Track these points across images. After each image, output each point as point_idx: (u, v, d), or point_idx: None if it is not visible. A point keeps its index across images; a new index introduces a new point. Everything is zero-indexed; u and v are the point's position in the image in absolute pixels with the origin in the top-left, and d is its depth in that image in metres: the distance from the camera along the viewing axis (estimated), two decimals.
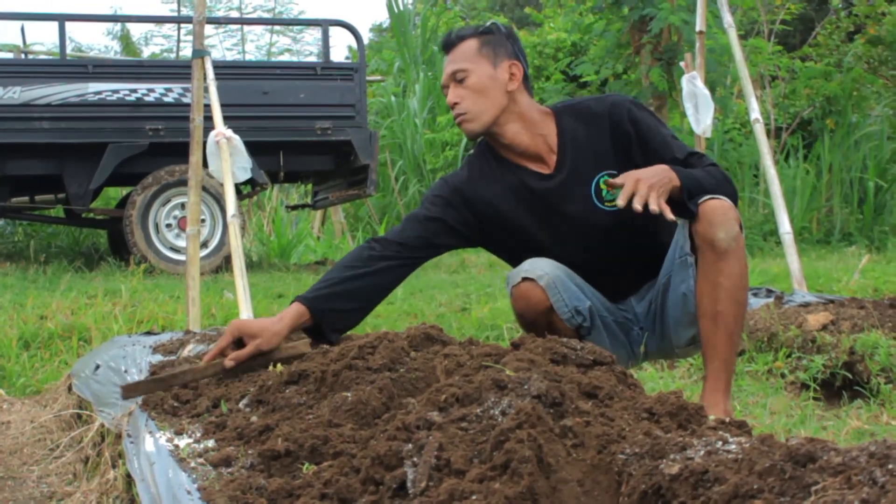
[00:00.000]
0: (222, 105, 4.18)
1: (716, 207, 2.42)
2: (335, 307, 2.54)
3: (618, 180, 2.37)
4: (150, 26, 18.43)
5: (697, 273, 2.50)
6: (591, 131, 2.63)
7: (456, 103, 2.61)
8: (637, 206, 2.29)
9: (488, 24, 2.67)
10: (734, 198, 2.49)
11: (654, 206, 2.29)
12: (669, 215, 2.30)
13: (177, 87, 7.31)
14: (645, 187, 2.31)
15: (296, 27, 19.37)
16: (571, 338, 2.40)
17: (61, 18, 7.26)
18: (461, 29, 2.68)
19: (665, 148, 2.58)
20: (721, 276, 2.44)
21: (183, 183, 7.00)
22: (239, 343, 2.44)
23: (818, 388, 3.49)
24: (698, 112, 4.56)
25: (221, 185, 4.06)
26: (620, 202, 2.31)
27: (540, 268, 2.57)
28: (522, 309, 2.59)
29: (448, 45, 2.66)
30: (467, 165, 2.75)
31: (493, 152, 2.72)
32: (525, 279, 2.56)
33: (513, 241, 2.72)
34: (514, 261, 2.72)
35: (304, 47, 19.89)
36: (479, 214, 2.69)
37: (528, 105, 2.64)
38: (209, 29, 17.06)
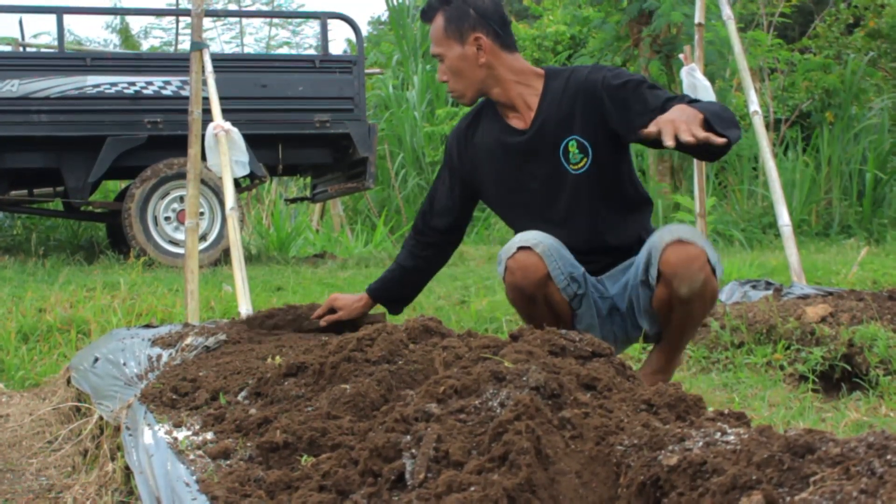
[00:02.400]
0: (221, 98, 4.18)
1: (683, 259, 2.49)
2: (391, 296, 3.14)
3: (651, 128, 2.34)
4: (150, 19, 18.40)
5: (662, 295, 2.58)
6: (569, 96, 2.71)
7: (444, 81, 2.80)
8: (688, 137, 2.25)
9: None
10: (737, 126, 2.45)
11: (701, 135, 2.26)
12: (716, 139, 2.27)
13: (175, 80, 7.30)
14: (683, 125, 2.29)
15: (294, 20, 19.34)
16: (564, 311, 2.73)
17: (59, 11, 7.25)
18: (429, 2, 2.79)
19: (642, 103, 2.60)
20: (686, 315, 2.59)
21: (181, 176, 6.99)
22: (332, 311, 3.14)
23: (817, 380, 3.49)
24: None
25: (220, 178, 4.05)
26: (668, 142, 2.27)
27: (534, 237, 2.67)
28: (520, 280, 2.65)
29: (424, 19, 2.83)
30: (462, 121, 2.95)
31: (487, 105, 2.88)
32: (521, 248, 2.65)
33: (495, 195, 2.90)
34: (506, 221, 2.97)
35: (302, 40, 19.88)
36: (465, 169, 2.92)
37: (507, 67, 2.76)
38: (208, 22, 17.03)
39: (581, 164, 2.72)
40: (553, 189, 2.75)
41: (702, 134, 2.26)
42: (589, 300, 2.75)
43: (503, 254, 2.71)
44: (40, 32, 12.92)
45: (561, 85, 2.74)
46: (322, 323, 3.12)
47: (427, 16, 2.79)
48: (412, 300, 3.23)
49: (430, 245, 3.04)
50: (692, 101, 2.54)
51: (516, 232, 2.79)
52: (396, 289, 3.13)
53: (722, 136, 2.32)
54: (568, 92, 2.72)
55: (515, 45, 2.80)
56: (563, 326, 2.56)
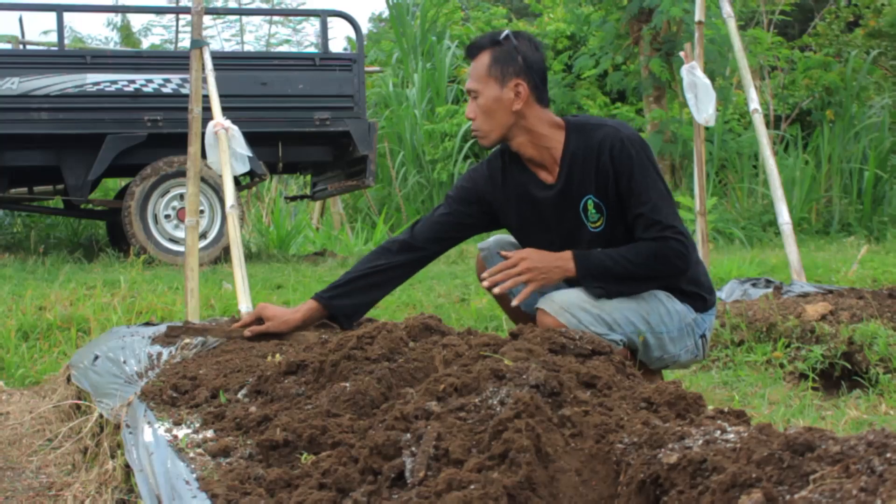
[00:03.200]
0: (221, 96, 4.17)
1: (541, 326, 2.53)
2: (345, 302, 2.91)
3: (509, 253, 2.63)
4: (150, 17, 18.40)
5: None
6: (587, 154, 2.75)
7: (471, 119, 2.79)
8: (496, 290, 2.59)
9: (503, 35, 2.78)
10: (669, 274, 2.67)
11: (496, 290, 2.59)
12: (519, 298, 2.59)
13: (175, 78, 7.30)
14: (523, 273, 2.59)
15: (295, 18, 19.34)
16: (517, 310, 2.87)
17: (59, 9, 7.24)
18: (480, 38, 2.82)
19: (635, 197, 2.68)
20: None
21: (181, 174, 6.99)
22: (260, 321, 2.93)
23: (817, 378, 3.49)
24: (699, 102, 4.56)
25: (220, 175, 4.05)
26: (485, 283, 2.60)
27: (491, 241, 2.95)
28: (479, 275, 2.88)
29: (468, 55, 2.83)
30: (486, 163, 2.96)
31: (510, 154, 2.88)
32: (479, 249, 2.97)
33: (517, 232, 2.94)
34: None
35: (303, 38, 19.88)
36: (497, 203, 2.91)
37: (537, 118, 2.78)
38: (208, 20, 17.03)
39: (598, 222, 2.77)
40: (570, 242, 2.79)
41: (497, 290, 2.59)
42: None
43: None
44: (49, 30, 12.92)
45: (581, 142, 2.76)
46: (246, 333, 2.90)
47: (473, 52, 2.80)
48: (363, 315, 3.01)
49: (398, 258, 2.94)
50: (657, 239, 2.64)
51: None
52: (356, 297, 2.92)
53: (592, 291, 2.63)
54: (586, 151, 2.74)
55: (548, 101, 2.85)
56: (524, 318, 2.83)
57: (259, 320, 2.92)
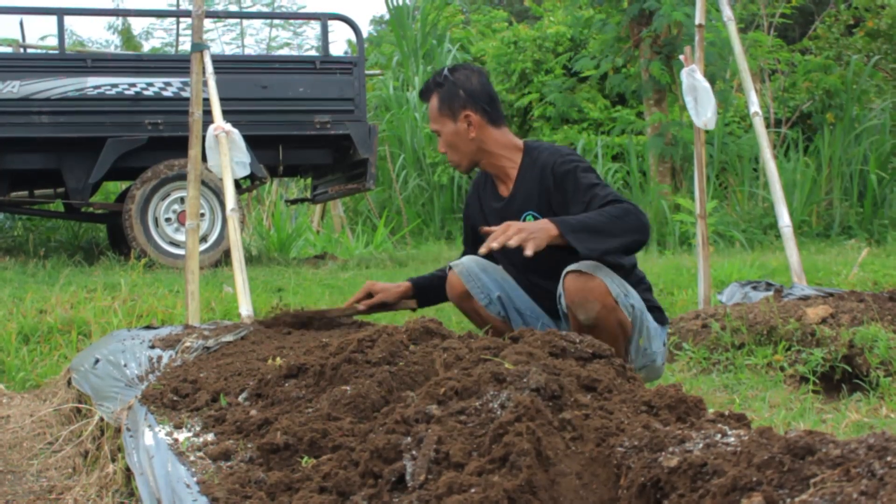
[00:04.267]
0: (221, 99, 4.17)
1: (579, 288, 2.79)
2: (429, 293, 3.36)
3: (492, 227, 2.74)
4: (151, 20, 18.41)
5: (573, 325, 2.88)
6: (533, 174, 3.06)
7: (443, 152, 3.17)
8: (495, 245, 2.66)
9: (442, 75, 3.11)
10: (636, 230, 2.80)
11: (512, 244, 2.66)
12: (527, 252, 2.66)
13: (176, 82, 7.30)
14: (513, 231, 2.68)
15: (295, 21, 19.35)
16: (497, 325, 3.12)
17: (60, 13, 7.25)
18: (427, 82, 3.16)
19: (576, 196, 2.93)
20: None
21: (182, 177, 7.00)
22: (369, 297, 3.29)
23: (817, 381, 3.49)
24: (698, 105, 4.56)
25: (220, 179, 4.05)
26: (482, 249, 2.71)
27: (460, 260, 3.19)
28: (450, 295, 3.20)
29: (422, 99, 3.19)
30: (474, 179, 3.34)
31: (486, 172, 3.24)
32: (450, 268, 3.19)
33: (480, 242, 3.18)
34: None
35: (303, 41, 19.90)
36: (471, 215, 3.30)
37: (493, 140, 3.11)
38: (209, 23, 17.04)
39: None
40: (514, 254, 2.95)
41: (514, 242, 2.64)
42: (517, 321, 3.14)
43: None
44: (48, 35, 12.93)
45: (530, 162, 3.08)
46: (361, 307, 3.26)
47: (424, 96, 3.15)
48: (436, 302, 3.43)
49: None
50: (607, 203, 2.84)
51: None
52: (436, 287, 3.32)
53: (580, 248, 2.73)
54: (533, 171, 3.05)
55: (503, 120, 3.15)
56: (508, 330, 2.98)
57: (369, 296, 3.29)
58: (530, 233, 2.68)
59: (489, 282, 3.14)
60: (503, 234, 2.67)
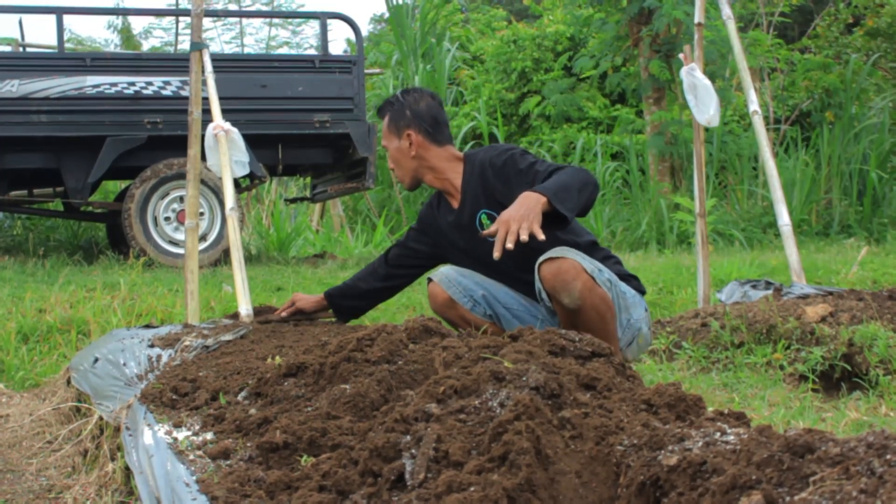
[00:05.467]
0: (221, 98, 4.17)
1: (554, 272, 2.87)
2: (344, 304, 3.55)
3: (491, 229, 2.76)
4: (151, 19, 18.40)
5: (560, 314, 2.95)
6: (475, 177, 3.20)
7: (392, 168, 3.34)
8: (510, 245, 2.66)
9: (394, 97, 3.31)
10: (591, 183, 2.93)
11: (524, 237, 2.66)
12: (540, 236, 2.67)
13: (175, 81, 7.30)
14: (515, 225, 2.69)
15: (294, 20, 19.34)
16: (489, 328, 3.13)
17: (59, 11, 7.24)
18: (382, 102, 3.36)
19: (518, 178, 3.05)
20: (578, 324, 2.88)
21: (181, 176, 7.00)
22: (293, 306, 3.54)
23: (817, 379, 3.49)
24: (699, 103, 4.56)
25: (220, 178, 4.05)
26: (496, 254, 2.69)
27: (439, 270, 3.30)
28: (433, 306, 3.29)
29: (379, 117, 3.36)
30: (431, 200, 3.44)
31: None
32: (429, 281, 3.30)
33: (450, 253, 3.37)
34: None
35: (302, 40, 19.89)
36: (435, 240, 3.40)
37: (436, 157, 3.26)
38: (208, 22, 17.03)
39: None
40: (480, 255, 3.19)
41: (524, 236, 2.65)
42: (506, 316, 3.22)
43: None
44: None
45: (471, 168, 3.22)
46: (284, 314, 3.52)
47: (380, 114, 3.34)
48: (358, 317, 3.63)
49: (392, 277, 3.48)
50: (553, 171, 2.97)
51: None
52: (348, 297, 3.52)
53: (569, 215, 2.80)
54: (474, 174, 3.20)
55: (448, 139, 3.30)
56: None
57: (292, 305, 3.55)
58: (526, 215, 2.70)
59: (470, 284, 3.23)
60: (508, 233, 2.68)
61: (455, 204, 3.28)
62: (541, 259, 2.92)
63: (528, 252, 2.95)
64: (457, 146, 13.08)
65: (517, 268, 3.15)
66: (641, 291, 3.20)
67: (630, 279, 3.17)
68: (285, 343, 2.88)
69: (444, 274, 3.26)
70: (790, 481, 1.22)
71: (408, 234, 3.51)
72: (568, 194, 2.83)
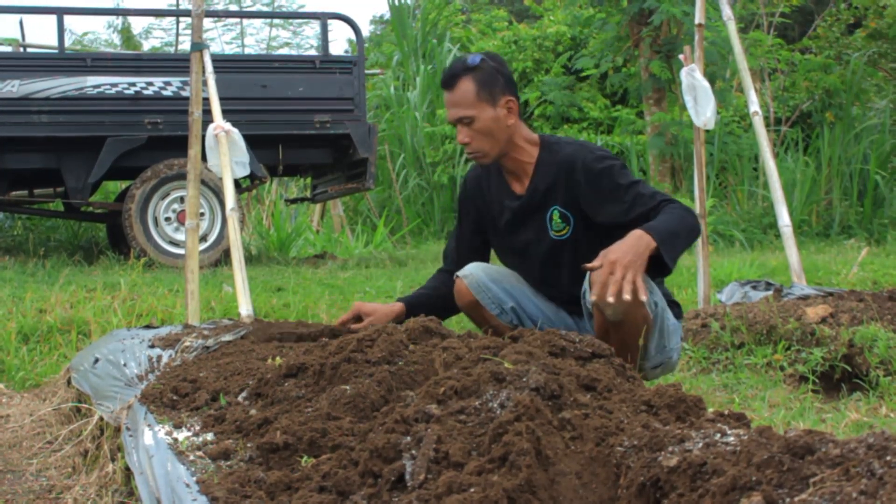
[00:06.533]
0: (221, 98, 4.17)
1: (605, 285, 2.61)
2: (423, 312, 2.98)
3: (595, 263, 2.57)
4: (151, 20, 18.40)
5: (598, 320, 2.74)
6: (555, 169, 2.95)
7: (467, 143, 2.93)
8: (611, 300, 2.49)
9: (478, 59, 2.92)
10: (695, 229, 2.77)
11: (627, 296, 2.48)
12: (643, 296, 2.52)
13: (175, 81, 7.31)
14: (621, 271, 2.51)
15: (295, 21, 19.34)
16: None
17: (60, 12, 7.25)
18: (454, 67, 2.95)
19: (615, 194, 2.84)
20: (612, 335, 2.70)
21: (182, 176, 7.00)
22: (358, 319, 3.08)
23: (817, 380, 3.49)
24: (697, 104, 4.56)
25: (220, 178, 4.05)
26: (593, 297, 2.56)
27: (468, 268, 3.04)
28: (459, 303, 3.07)
29: (446, 86, 2.94)
30: (474, 171, 3.19)
31: (493, 165, 3.07)
32: (457, 277, 3.06)
33: (495, 240, 3.15)
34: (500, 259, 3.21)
35: (303, 41, 19.88)
36: (479, 215, 3.15)
37: (520, 133, 2.98)
38: (208, 22, 17.03)
39: (563, 231, 2.97)
40: (535, 251, 3.02)
41: (628, 296, 2.48)
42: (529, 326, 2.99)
43: None
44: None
45: (550, 157, 2.96)
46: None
47: (451, 82, 2.92)
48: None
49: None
50: (661, 204, 2.76)
51: None
52: (428, 306, 3.08)
53: (671, 266, 2.63)
54: (554, 165, 2.94)
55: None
56: None
57: (358, 319, 3.08)
58: (634, 261, 2.53)
59: (500, 292, 3.03)
60: (612, 280, 2.50)
61: (519, 189, 3.02)
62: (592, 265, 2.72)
63: (571, 275, 2.91)
64: (458, 147, 12.94)
65: (569, 282, 2.99)
66: (678, 317, 3.02)
67: (673, 306, 2.99)
68: (285, 344, 2.88)
69: (474, 276, 3.02)
70: (790, 482, 1.22)
71: (459, 222, 3.25)
72: (676, 242, 2.66)
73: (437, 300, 3.15)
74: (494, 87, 2.89)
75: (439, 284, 3.21)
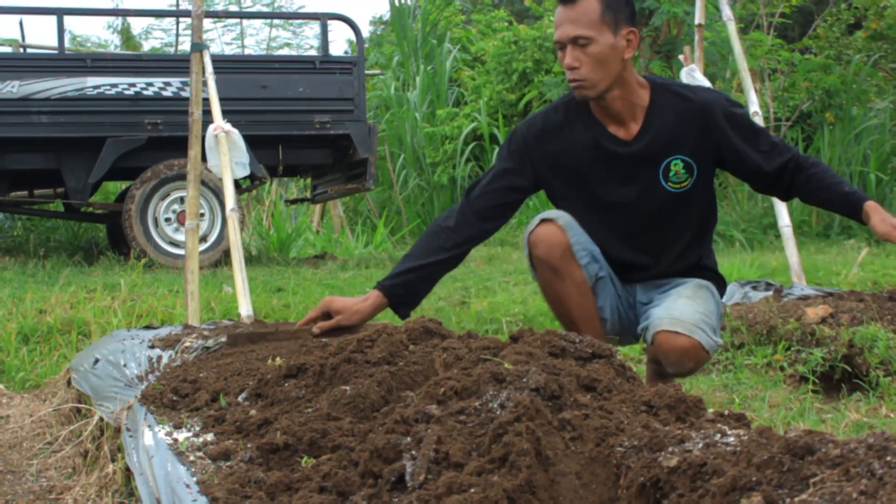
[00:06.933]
0: (221, 99, 4.17)
1: (668, 349, 2.55)
2: (408, 291, 2.73)
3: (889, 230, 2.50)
4: (151, 20, 18.40)
5: (652, 356, 2.75)
6: (681, 116, 2.66)
7: (574, 67, 2.58)
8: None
9: None
10: None
11: None
12: None
13: (175, 81, 7.30)
14: None
15: (295, 21, 19.35)
16: (585, 289, 2.70)
17: (60, 12, 7.25)
18: None
19: (756, 141, 2.68)
20: (670, 378, 2.75)
21: (182, 177, 7.00)
22: (327, 316, 2.68)
23: (817, 380, 3.49)
24: None
25: (220, 179, 4.05)
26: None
27: (555, 212, 2.70)
28: (544, 253, 2.66)
29: (567, 2, 2.60)
30: (543, 117, 2.79)
31: (579, 105, 2.73)
32: (543, 221, 2.68)
33: (572, 193, 2.76)
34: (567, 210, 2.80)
35: (303, 41, 19.88)
36: (542, 167, 2.76)
37: (631, 71, 2.67)
38: (208, 23, 17.03)
39: (685, 182, 2.70)
40: (642, 204, 2.70)
41: None
42: (607, 284, 2.73)
43: (527, 230, 2.71)
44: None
45: (672, 102, 2.68)
46: (315, 330, 2.67)
47: None
48: (420, 303, 2.83)
49: (468, 238, 2.77)
50: (797, 155, 2.67)
51: None
52: (415, 286, 2.75)
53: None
54: (682, 112, 2.67)
55: None
56: (586, 306, 2.70)
57: (327, 315, 2.69)
58: None
59: (594, 248, 2.71)
60: None
61: (624, 134, 2.68)
62: (661, 327, 2.55)
63: (667, 235, 2.72)
64: (458, 147, 12.85)
65: (658, 243, 2.75)
66: (722, 295, 2.85)
67: (722, 284, 2.86)
68: (285, 344, 2.88)
69: (564, 216, 2.68)
70: (790, 483, 1.22)
71: (497, 167, 2.80)
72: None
73: (425, 280, 2.77)
74: (620, 13, 2.58)
75: (432, 250, 2.75)
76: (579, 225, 2.70)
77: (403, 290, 2.71)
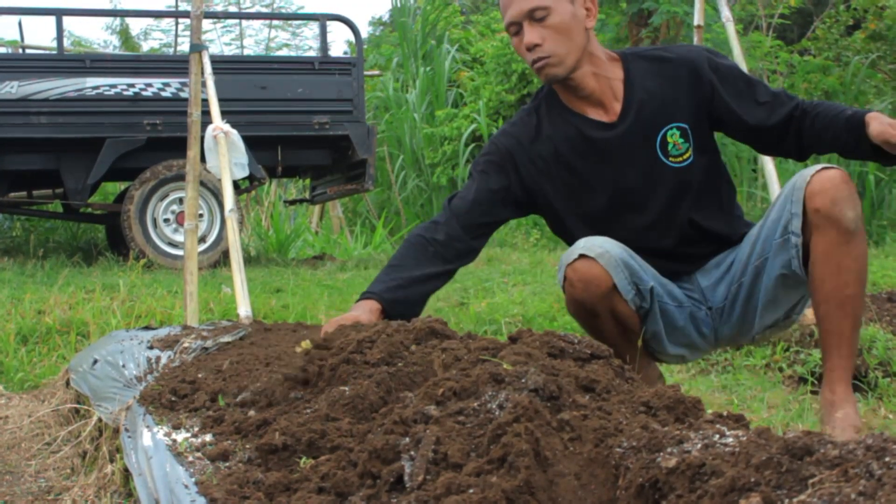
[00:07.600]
0: (220, 100, 4.17)
1: (836, 182, 2.24)
2: (406, 308, 2.48)
3: (887, 135, 2.19)
4: (150, 21, 18.41)
5: (815, 253, 2.28)
6: (663, 79, 2.47)
7: (537, 45, 2.38)
8: None
9: None
10: None
11: None
12: None
13: (174, 82, 7.31)
14: None
15: (294, 22, 19.36)
16: (633, 323, 2.43)
17: (59, 13, 7.25)
18: None
19: (751, 92, 2.45)
20: (849, 258, 2.26)
21: (181, 178, 7.00)
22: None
23: (816, 381, 3.49)
24: None
25: (219, 180, 4.05)
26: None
27: (599, 244, 2.38)
28: (581, 294, 2.38)
29: None
30: (519, 123, 2.58)
31: (552, 100, 2.55)
32: (582, 256, 2.37)
33: (566, 202, 2.54)
34: (565, 230, 2.58)
35: (302, 42, 19.90)
36: (530, 175, 2.53)
37: (597, 44, 2.47)
38: (207, 24, 17.03)
39: (685, 155, 2.48)
40: (649, 187, 2.47)
41: None
42: (655, 315, 2.49)
43: (564, 260, 2.42)
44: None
45: (649, 67, 2.47)
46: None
47: None
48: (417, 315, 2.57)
49: (459, 254, 2.55)
50: (803, 102, 2.43)
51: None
52: (413, 305, 2.52)
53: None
54: (663, 75, 2.46)
55: None
56: (630, 337, 2.46)
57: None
58: None
59: (638, 269, 2.41)
60: None
61: (606, 117, 2.47)
62: (812, 171, 2.27)
63: (691, 217, 2.48)
64: (460, 148, 12.87)
65: (678, 235, 2.49)
66: None
67: None
68: (284, 345, 2.88)
69: (609, 252, 2.36)
70: (789, 483, 1.22)
71: (480, 179, 2.52)
72: None
73: (420, 297, 2.54)
74: None
75: (425, 264, 2.51)
76: (625, 249, 2.41)
77: (403, 309, 2.47)
